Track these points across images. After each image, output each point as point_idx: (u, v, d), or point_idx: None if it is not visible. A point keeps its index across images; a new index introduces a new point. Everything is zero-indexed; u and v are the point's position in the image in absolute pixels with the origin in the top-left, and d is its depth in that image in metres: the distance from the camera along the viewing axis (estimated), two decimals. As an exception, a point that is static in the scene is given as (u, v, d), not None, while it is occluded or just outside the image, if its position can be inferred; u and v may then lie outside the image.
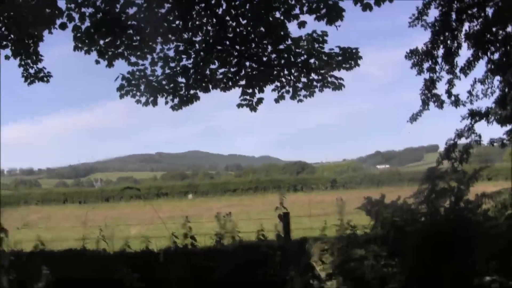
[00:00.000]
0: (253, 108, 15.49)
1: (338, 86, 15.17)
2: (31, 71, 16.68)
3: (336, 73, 15.10)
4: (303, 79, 15.39)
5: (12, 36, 15.73)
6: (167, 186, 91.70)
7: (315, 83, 15.35)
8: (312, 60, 15.13)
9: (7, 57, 15.96)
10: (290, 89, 15.56)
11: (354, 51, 14.87)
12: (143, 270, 10.13)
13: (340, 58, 14.98)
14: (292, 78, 15.40)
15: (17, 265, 6.06)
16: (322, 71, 15.11)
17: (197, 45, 15.08)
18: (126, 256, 11.23)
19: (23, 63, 16.45)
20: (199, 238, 12.26)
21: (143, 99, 15.22)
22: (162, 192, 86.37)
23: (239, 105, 15.58)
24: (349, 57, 14.94)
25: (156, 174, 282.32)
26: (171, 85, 15.19)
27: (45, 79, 16.90)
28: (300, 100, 15.64)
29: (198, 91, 15.54)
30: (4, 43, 15.71)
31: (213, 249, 11.66)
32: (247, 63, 15.22)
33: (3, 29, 15.53)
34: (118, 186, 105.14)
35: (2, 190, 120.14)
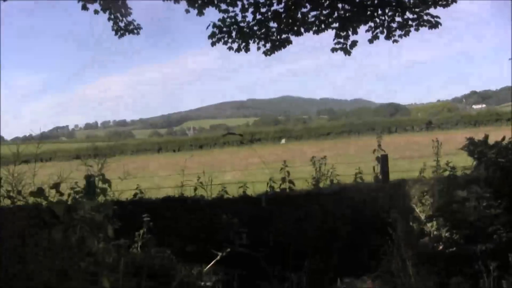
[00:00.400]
0: (347, 52, 15.34)
1: (434, 24, 14.82)
2: (121, 24, 17.01)
3: (432, 10, 14.78)
4: (398, 19, 15.13)
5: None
6: (260, 131, 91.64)
7: (410, 22, 15.06)
8: (406, -2, 14.87)
9: (96, 12, 16.26)
10: (385, 29, 15.33)
11: (451, -14, 14.48)
12: (242, 215, 10.26)
13: (436, -5, 14.63)
14: (386, 18, 15.16)
15: (120, 213, 6.27)
16: (418, 9, 14.82)
17: (288, -12, 15.02)
18: (224, 201, 11.41)
19: (112, 16, 16.79)
20: (295, 182, 12.33)
21: (235, 46, 15.30)
22: (256, 138, 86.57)
23: (333, 49, 15.45)
24: (445, -6, 14.57)
25: (249, 120, 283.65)
26: (263, 30, 15.20)
27: (135, 31, 17.19)
28: (395, 41, 15.41)
29: (290, 35, 15.50)
30: (93, -3, 16.02)
31: (312, 192, 11.70)
32: (340, 5, 15.05)
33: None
34: (211, 134, 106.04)
35: (98, 142, 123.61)
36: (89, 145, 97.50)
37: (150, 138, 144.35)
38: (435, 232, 9.02)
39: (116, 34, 16.98)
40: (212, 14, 15.17)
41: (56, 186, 5.45)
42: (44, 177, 5.77)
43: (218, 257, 7.92)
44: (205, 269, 7.63)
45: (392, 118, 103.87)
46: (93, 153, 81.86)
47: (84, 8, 15.91)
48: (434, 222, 9.11)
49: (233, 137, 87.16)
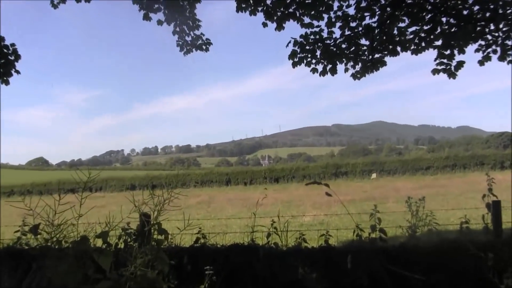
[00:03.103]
0: (451, 75, 15.00)
1: (559, 41, 14.46)
2: (188, 38, 16.79)
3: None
4: (515, 35, 14.79)
5: (165, -3, 15.91)
6: (346, 163, 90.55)
7: (530, 38, 14.71)
8: (526, 11, 14.53)
9: (160, 22, 16.01)
10: (498, 48, 14.98)
11: None
12: (323, 270, 10.05)
13: None
14: (500, 34, 14.82)
15: (178, 263, 6.24)
16: (541, 22, 14.48)
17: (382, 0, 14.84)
18: (302, 253, 11.21)
19: (178, 29, 16.64)
20: (386, 228, 12.02)
21: (320, 67, 15.07)
22: (341, 171, 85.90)
23: (435, 71, 15.13)
24: None
25: (334, 149, 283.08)
26: (352, 48, 14.99)
27: (204, 47, 16.85)
28: (511, 62, 15.01)
29: (383, 54, 15.26)
30: (156, 6, 15.81)
31: (407, 248, 11.36)
32: (444, 19, 14.80)
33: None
34: (289, 165, 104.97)
35: (157, 170, 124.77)
36: (146, 174, 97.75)
37: (218, 167, 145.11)
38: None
39: (181, 50, 16.73)
40: (293, 29, 15.07)
41: (103, 235, 5.43)
42: (92, 213, 5.77)
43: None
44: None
45: (506, 151, 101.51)
46: (150, 184, 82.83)
47: (147, 17, 15.71)
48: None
49: (314, 169, 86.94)
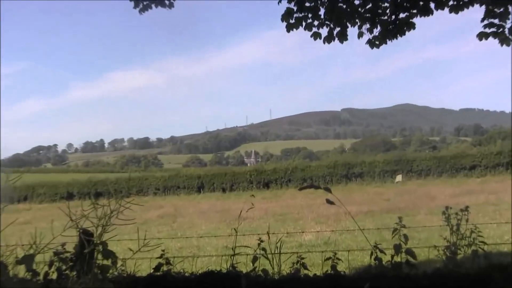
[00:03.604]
0: (504, 40, 14.81)
1: None
2: None
3: None
4: None
5: None
6: (361, 162, 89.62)
7: None
8: None
9: None
10: None
11: None
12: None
13: None
14: None
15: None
16: None
17: None
18: (300, 282, 11.18)
19: None
20: (416, 249, 11.90)
21: (324, 31, 14.87)
22: (354, 172, 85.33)
23: (482, 35, 14.96)
24: None
25: (344, 142, 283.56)
26: (368, 6, 14.82)
27: (167, 2, 16.09)
28: None
29: (411, 14, 15.06)
30: None
31: (443, 275, 11.26)
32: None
33: None
34: (283, 164, 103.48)
35: (104, 173, 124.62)
36: (88, 178, 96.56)
37: (187, 168, 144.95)
38: None
39: (135, 6, 16.03)
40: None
41: (27, 261, 5.38)
42: (12, 231, 5.75)
43: None
44: None
45: None
46: (94, 191, 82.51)
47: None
48: None
49: (317, 170, 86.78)
